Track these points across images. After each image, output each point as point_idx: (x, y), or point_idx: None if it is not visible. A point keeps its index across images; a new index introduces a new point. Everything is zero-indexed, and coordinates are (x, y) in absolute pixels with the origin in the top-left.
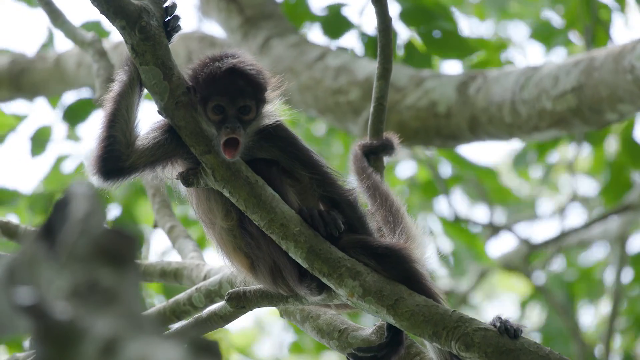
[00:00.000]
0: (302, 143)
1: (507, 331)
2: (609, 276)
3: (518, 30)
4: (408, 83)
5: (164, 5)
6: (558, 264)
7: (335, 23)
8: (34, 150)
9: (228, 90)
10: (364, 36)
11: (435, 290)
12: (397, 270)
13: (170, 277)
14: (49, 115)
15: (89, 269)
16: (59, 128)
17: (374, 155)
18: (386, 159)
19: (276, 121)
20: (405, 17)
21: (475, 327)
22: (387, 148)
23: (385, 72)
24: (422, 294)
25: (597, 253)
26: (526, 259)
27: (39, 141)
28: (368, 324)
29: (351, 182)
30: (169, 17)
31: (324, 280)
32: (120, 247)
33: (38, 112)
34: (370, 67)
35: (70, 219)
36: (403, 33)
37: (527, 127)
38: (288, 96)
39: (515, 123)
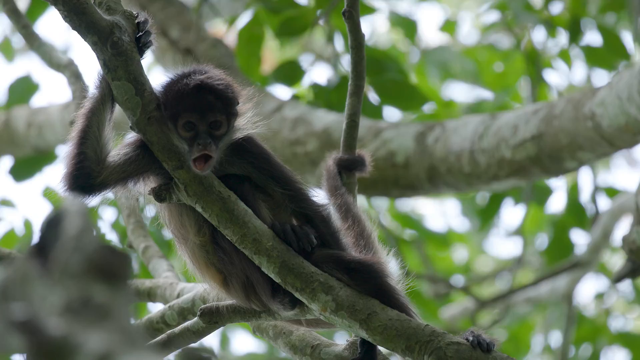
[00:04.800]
0: (275, 158)
1: (480, 345)
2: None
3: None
4: (366, 133)
5: (136, 21)
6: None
7: (289, 70)
8: None
9: (197, 107)
10: (315, 86)
11: (408, 304)
12: (369, 284)
13: (144, 296)
14: None
15: (81, 285)
16: None
17: (347, 171)
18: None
19: (248, 135)
20: None
21: (448, 341)
22: (359, 164)
23: (357, 89)
24: (394, 308)
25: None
26: (473, 316)
27: None
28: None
29: (324, 197)
30: (140, 33)
31: (297, 295)
32: (113, 263)
33: None
34: (327, 119)
35: (62, 236)
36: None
37: (486, 177)
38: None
39: (474, 172)
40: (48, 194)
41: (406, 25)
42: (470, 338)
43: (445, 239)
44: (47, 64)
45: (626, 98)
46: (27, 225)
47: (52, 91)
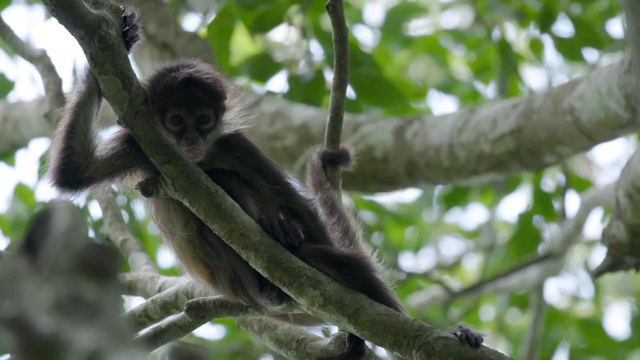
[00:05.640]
0: (262, 153)
1: (468, 340)
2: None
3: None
4: (345, 128)
5: (123, 15)
6: None
7: (263, 66)
8: None
9: (185, 101)
10: (292, 80)
11: (395, 299)
12: (357, 279)
13: (124, 289)
14: None
15: (71, 282)
16: None
17: (331, 165)
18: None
19: (236, 130)
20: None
21: (436, 335)
22: (343, 158)
23: (341, 82)
24: (382, 303)
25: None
26: (445, 307)
27: None
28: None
29: (311, 192)
30: (127, 27)
31: (285, 289)
32: (102, 260)
33: None
34: (306, 113)
35: (52, 233)
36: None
37: (465, 171)
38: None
39: (453, 167)
40: (20, 190)
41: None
42: (459, 333)
43: (408, 219)
44: (20, 55)
45: (606, 92)
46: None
47: (23, 85)
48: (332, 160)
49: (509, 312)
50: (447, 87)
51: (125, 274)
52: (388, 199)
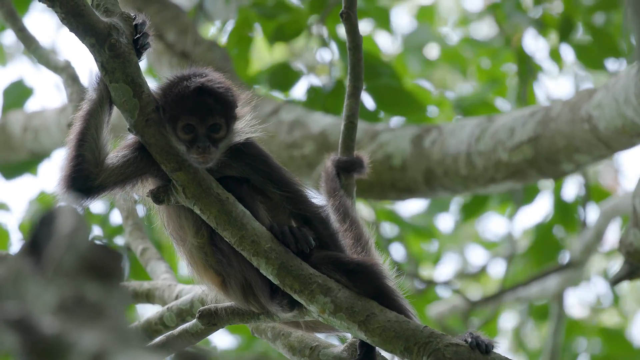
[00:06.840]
0: (274, 161)
1: (478, 346)
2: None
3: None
4: (363, 136)
5: (134, 23)
6: None
7: (283, 75)
8: None
9: (197, 110)
10: (312, 90)
11: (406, 306)
12: (368, 286)
13: (142, 297)
14: None
15: (75, 283)
16: None
17: (345, 172)
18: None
19: (247, 138)
20: None
21: (446, 342)
22: (357, 166)
23: (355, 90)
24: (393, 310)
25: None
26: (465, 316)
27: None
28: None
29: (323, 199)
30: (138, 35)
31: (295, 296)
32: (107, 262)
33: None
34: (324, 121)
35: (56, 235)
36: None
37: (483, 179)
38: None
39: (471, 175)
40: (43, 198)
41: (379, 15)
42: (469, 339)
43: (428, 232)
44: (45, 65)
45: (623, 100)
46: (22, 228)
47: (46, 95)
48: (346, 167)
49: (528, 326)
50: (465, 107)
51: (143, 282)
52: (406, 209)
